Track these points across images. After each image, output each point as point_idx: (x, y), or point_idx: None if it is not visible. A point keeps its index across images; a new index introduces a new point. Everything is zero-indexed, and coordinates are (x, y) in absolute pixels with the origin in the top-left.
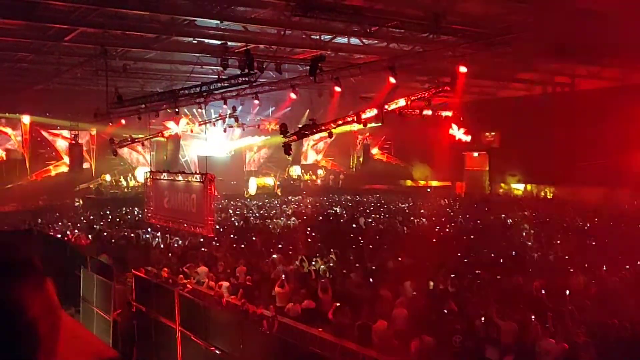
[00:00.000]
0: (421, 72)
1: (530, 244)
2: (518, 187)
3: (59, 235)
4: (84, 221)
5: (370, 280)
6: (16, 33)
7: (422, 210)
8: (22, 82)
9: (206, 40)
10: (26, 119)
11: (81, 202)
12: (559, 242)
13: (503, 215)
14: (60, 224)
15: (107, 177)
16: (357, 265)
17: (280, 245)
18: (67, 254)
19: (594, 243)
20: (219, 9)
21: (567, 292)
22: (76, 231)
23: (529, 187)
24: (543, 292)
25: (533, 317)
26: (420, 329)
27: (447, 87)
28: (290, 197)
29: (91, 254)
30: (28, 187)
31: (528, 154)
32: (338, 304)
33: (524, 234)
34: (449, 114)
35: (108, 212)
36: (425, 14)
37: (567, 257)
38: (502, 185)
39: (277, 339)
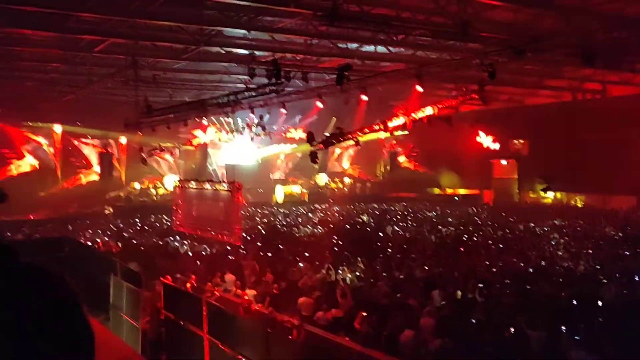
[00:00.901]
0: (448, 79)
1: (560, 253)
2: (547, 196)
3: (89, 243)
4: (114, 229)
5: (398, 289)
6: (48, 44)
7: (449, 219)
8: (54, 92)
9: (234, 50)
10: (58, 128)
11: (111, 210)
12: (590, 251)
13: (532, 224)
14: (90, 231)
15: (137, 185)
16: (384, 274)
17: (307, 254)
18: (97, 261)
19: (626, 253)
20: (247, 19)
21: (599, 302)
22: (106, 239)
23: (558, 195)
24: (574, 302)
25: (563, 327)
26: (447, 339)
27: (474, 94)
28: (317, 205)
29: (121, 261)
30: (59, 195)
31: (558, 162)
32: (365, 313)
33: (553, 243)
34: (477, 121)
35: (137, 220)
36: (453, 22)
37: (598, 267)
38: (531, 193)
39: (304, 347)
